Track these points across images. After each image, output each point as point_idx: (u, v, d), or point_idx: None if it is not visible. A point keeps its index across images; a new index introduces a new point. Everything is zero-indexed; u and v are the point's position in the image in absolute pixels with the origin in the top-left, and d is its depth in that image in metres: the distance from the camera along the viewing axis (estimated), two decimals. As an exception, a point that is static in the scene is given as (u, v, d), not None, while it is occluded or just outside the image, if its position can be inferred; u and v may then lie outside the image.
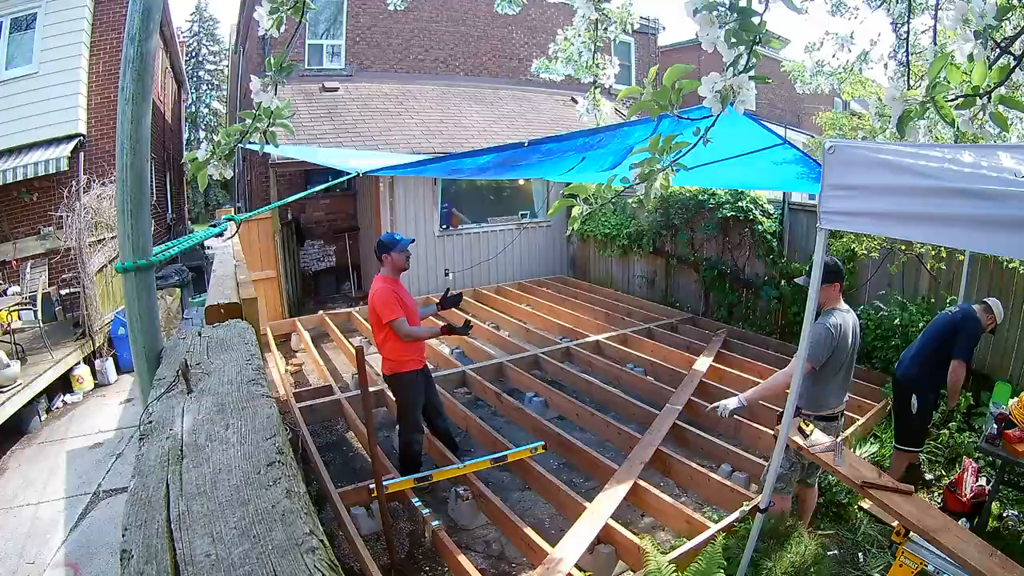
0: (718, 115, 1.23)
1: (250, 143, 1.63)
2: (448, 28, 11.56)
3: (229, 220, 1.89)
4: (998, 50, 1.37)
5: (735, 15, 1.16)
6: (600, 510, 3.42)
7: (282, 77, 1.57)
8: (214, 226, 1.92)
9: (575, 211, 1.46)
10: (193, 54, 30.37)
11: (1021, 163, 1.76)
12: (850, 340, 3.12)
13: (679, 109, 1.29)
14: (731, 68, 1.19)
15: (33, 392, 5.52)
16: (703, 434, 4.42)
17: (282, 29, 1.65)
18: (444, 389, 5.29)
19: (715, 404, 3.24)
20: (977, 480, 3.69)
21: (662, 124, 2.25)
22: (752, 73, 1.20)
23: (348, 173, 3.76)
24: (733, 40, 1.18)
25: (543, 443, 3.86)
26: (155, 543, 0.74)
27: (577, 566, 3.05)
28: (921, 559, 2.70)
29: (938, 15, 2.53)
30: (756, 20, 1.17)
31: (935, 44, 2.41)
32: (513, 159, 3.37)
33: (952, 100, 1.23)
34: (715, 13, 1.16)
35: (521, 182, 9.93)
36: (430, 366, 6.42)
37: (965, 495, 3.64)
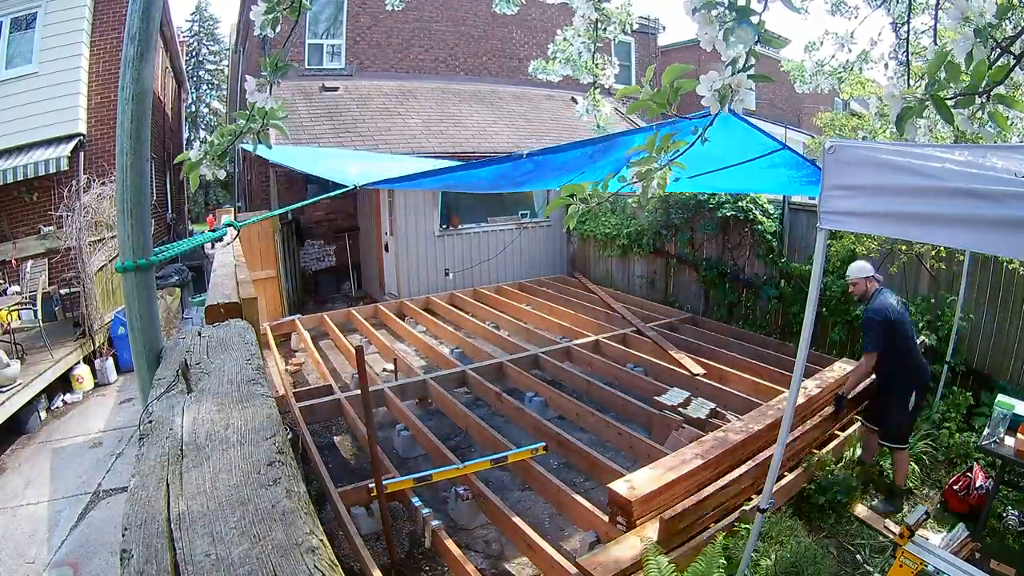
0: (716, 114, 1.23)
1: (243, 144, 1.63)
2: (448, 28, 11.57)
3: (228, 226, 1.89)
4: (998, 49, 1.37)
5: (734, 14, 1.16)
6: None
7: (277, 77, 1.57)
8: (213, 230, 1.91)
9: (571, 209, 1.46)
10: (193, 54, 30.34)
11: (1021, 163, 1.76)
12: None
13: (679, 110, 1.29)
14: (730, 67, 1.19)
15: (33, 392, 5.52)
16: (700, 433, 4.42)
17: (278, 29, 1.65)
18: (444, 389, 5.29)
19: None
20: (983, 483, 3.69)
21: (663, 131, 2.25)
22: (751, 72, 1.20)
23: (345, 185, 3.76)
24: (732, 39, 1.17)
25: (544, 444, 3.86)
26: (155, 543, 0.74)
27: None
28: (921, 559, 2.70)
29: (938, 15, 2.53)
30: (755, 19, 1.17)
31: (935, 44, 2.41)
32: (511, 174, 3.36)
33: (951, 98, 1.23)
34: (714, 12, 1.16)
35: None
36: (426, 364, 6.44)
37: (972, 495, 3.64)
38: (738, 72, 1.18)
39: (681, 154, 1.30)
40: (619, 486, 3.23)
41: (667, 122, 1.28)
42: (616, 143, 3.10)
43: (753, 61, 1.20)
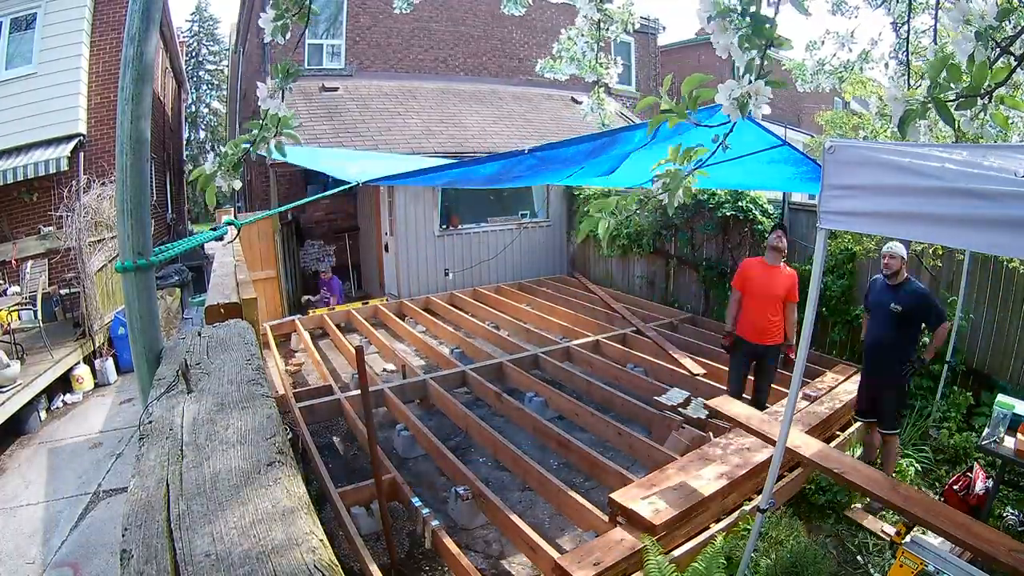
0: (736, 121, 1.24)
1: (258, 153, 1.63)
2: (448, 28, 11.57)
3: (229, 224, 1.88)
4: (999, 51, 1.37)
5: (748, 20, 1.17)
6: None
7: (288, 83, 1.57)
8: (214, 229, 1.91)
9: (600, 228, 1.45)
10: (193, 54, 30.35)
11: (1020, 163, 1.76)
12: None
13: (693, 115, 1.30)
14: (748, 74, 1.19)
15: (33, 392, 5.52)
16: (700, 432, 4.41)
17: (287, 35, 1.65)
18: (444, 389, 5.30)
19: None
20: (985, 483, 3.69)
21: (662, 129, 2.25)
22: (768, 78, 1.21)
23: (347, 182, 3.76)
24: (746, 45, 1.18)
25: None
26: (155, 543, 0.74)
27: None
28: (921, 559, 2.70)
29: (938, 15, 2.53)
30: (768, 25, 1.18)
31: (936, 44, 2.41)
32: (514, 169, 3.37)
33: (953, 100, 1.23)
34: (728, 20, 1.17)
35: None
36: (426, 364, 6.43)
37: (974, 495, 3.64)
38: (755, 79, 1.19)
39: (704, 162, 1.32)
40: (642, 507, 3.11)
41: (678, 123, 1.30)
42: (617, 139, 3.10)
43: (770, 67, 1.21)
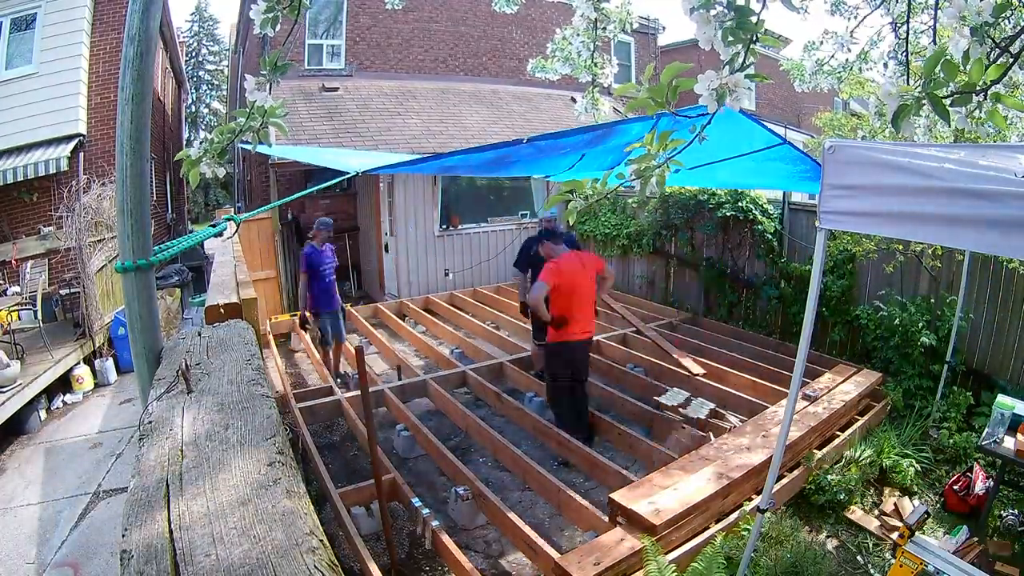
0: (714, 113, 1.22)
1: (243, 142, 1.63)
2: (448, 28, 11.57)
3: (228, 220, 1.89)
4: (996, 49, 1.37)
5: (732, 13, 1.16)
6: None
7: (277, 76, 1.56)
8: (214, 226, 1.91)
9: (570, 205, 1.46)
10: (193, 54, 30.36)
11: (1020, 163, 1.76)
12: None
13: (676, 108, 1.29)
14: (727, 67, 1.19)
15: (33, 392, 5.52)
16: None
17: (277, 28, 1.65)
18: (444, 390, 5.29)
19: None
20: (984, 483, 3.69)
21: (660, 122, 2.25)
22: (750, 71, 1.20)
23: (347, 172, 3.79)
24: (730, 39, 1.17)
25: None
26: (155, 543, 0.74)
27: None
28: (921, 559, 2.70)
29: (937, 15, 2.53)
30: (753, 19, 1.17)
31: (935, 44, 2.41)
32: (512, 156, 3.37)
33: (948, 96, 1.23)
34: (712, 12, 1.16)
35: (521, 181, 9.93)
36: (426, 364, 6.43)
37: (974, 496, 3.64)
38: (736, 71, 1.18)
39: (679, 152, 1.30)
40: (643, 507, 3.11)
41: (664, 113, 1.28)
42: (614, 131, 3.10)
43: (752, 60, 1.20)
